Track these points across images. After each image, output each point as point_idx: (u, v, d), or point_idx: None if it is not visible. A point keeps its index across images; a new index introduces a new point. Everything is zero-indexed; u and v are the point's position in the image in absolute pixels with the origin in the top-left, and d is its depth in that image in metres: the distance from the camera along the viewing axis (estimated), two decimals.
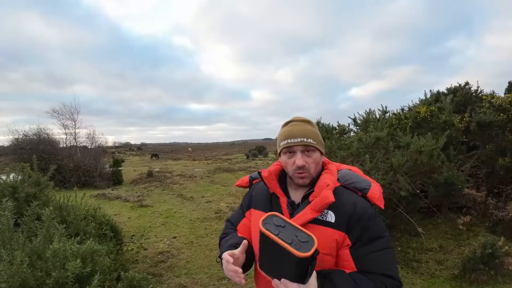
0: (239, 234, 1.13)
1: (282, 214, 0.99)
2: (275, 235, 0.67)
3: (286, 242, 0.65)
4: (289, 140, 0.97)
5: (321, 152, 1.02)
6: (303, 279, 0.69)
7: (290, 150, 0.99)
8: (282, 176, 1.09)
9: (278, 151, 1.06)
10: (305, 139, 0.96)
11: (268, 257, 0.72)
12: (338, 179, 1.01)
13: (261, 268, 0.76)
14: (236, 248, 0.95)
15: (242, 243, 0.95)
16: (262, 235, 0.69)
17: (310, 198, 0.95)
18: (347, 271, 0.90)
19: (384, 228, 0.95)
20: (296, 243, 0.65)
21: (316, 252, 0.65)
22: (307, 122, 1.03)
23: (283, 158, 1.02)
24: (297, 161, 0.96)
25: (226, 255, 0.89)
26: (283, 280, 0.71)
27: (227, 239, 1.10)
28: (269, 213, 0.75)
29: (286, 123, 1.05)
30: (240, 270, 0.87)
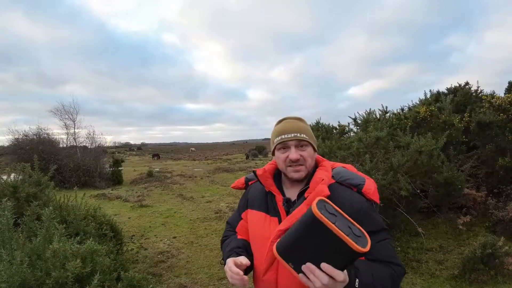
0: (239, 236, 1.15)
1: (278, 212, 1.00)
2: (333, 223, 0.61)
3: (344, 232, 0.60)
4: (283, 136, 1.00)
5: (314, 149, 1.04)
6: (344, 269, 0.67)
7: (284, 145, 1.01)
8: (278, 175, 1.10)
9: (272, 149, 1.07)
10: (298, 134, 0.99)
11: (307, 243, 0.65)
12: (332, 176, 1.02)
13: (282, 253, 0.68)
14: (236, 252, 1.01)
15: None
16: (315, 220, 0.61)
17: (306, 194, 0.95)
18: None
19: (381, 221, 0.96)
20: (353, 236, 0.61)
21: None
22: (299, 119, 1.07)
23: (277, 154, 1.04)
24: (291, 155, 0.98)
25: (230, 262, 0.92)
26: (326, 265, 0.64)
27: (227, 243, 1.13)
28: (320, 198, 0.67)
29: (280, 121, 1.08)
30: (241, 272, 0.90)
